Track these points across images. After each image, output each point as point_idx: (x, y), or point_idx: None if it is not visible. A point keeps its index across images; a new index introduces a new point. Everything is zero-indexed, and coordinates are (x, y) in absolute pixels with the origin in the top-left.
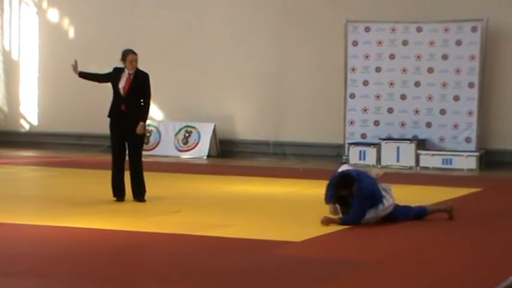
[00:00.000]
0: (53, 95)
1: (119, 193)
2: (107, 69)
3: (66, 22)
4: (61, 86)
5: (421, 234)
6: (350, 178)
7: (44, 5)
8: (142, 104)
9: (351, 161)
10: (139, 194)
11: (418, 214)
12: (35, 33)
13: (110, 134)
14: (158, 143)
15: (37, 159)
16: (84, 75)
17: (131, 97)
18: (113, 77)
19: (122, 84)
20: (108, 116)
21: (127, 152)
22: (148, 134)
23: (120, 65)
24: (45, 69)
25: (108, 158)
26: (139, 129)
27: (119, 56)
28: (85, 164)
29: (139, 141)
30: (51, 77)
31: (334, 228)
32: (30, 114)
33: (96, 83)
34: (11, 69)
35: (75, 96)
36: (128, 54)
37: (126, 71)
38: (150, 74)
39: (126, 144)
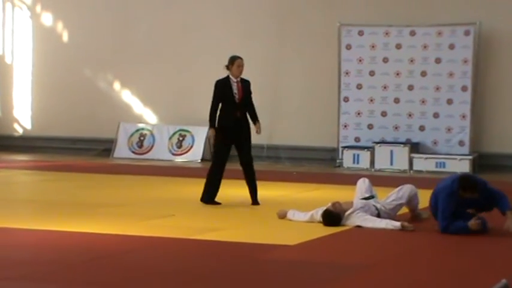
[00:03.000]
0: (46, 99)
1: (214, 197)
2: (100, 72)
3: (59, 26)
4: (55, 90)
5: (415, 237)
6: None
7: (38, 8)
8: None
9: (345, 165)
10: (256, 196)
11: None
12: (28, 37)
13: (219, 143)
14: (152, 146)
15: (31, 163)
16: (215, 119)
17: (243, 103)
18: (222, 91)
19: (235, 91)
20: (222, 126)
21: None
22: (142, 138)
23: (220, 75)
24: (38, 73)
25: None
26: (259, 130)
27: (113, 59)
28: (79, 168)
29: (249, 144)
30: (45, 81)
31: (327, 231)
32: (23, 118)
33: (90, 86)
34: (5, 73)
35: (69, 100)
36: (235, 59)
37: (233, 78)
38: (144, 77)
39: (236, 150)
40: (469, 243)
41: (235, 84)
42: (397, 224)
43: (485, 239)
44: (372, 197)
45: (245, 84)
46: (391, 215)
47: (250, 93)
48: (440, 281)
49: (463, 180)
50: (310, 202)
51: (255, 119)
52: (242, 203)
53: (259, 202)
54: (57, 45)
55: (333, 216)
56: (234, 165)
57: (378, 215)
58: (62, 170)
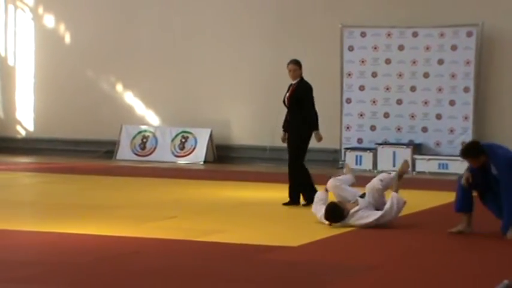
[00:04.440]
0: (49, 101)
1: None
2: (103, 74)
3: (62, 27)
4: (57, 92)
5: (417, 239)
6: (478, 145)
7: (40, 10)
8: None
9: None
10: (298, 197)
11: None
12: (30, 38)
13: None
14: (155, 148)
15: (33, 165)
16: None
17: (292, 106)
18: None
19: (286, 94)
20: (282, 126)
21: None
22: (145, 140)
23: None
24: (41, 75)
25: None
26: (318, 138)
27: (116, 61)
28: (81, 170)
29: (291, 146)
30: (47, 82)
31: (331, 232)
32: (26, 120)
33: (92, 88)
34: (7, 75)
35: (72, 102)
36: (287, 64)
37: (292, 82)
38: (146, 79)
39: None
40: (473, 242)
41: (291, 87)
42: (393, 174)
43: (489, 239)
44: (364, 194)
45: (299, 87)
46: (379, 202)
47: (299, 97)
48: (443, 281)
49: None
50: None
51: (312, 126)
52: (244, 204)
53: (302, 202)
54: (59, 47)
55: (336, 209)
56: (231, 167)
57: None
58: (65, 172)
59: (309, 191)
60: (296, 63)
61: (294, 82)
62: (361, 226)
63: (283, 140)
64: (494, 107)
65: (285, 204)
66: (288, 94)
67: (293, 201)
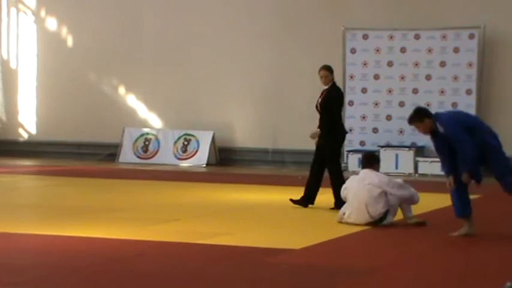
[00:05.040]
0: (51, 104)
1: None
2: (105, 76)
3: (64, 30)
4: (59, 95)
5: (420, 241)
6: (421, 109)
7: (42, 13)
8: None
9: (350, 169)
10: (336, 201)
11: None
12: (33, 41)
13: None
14: (157, 151)
15: (36, 168)
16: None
17: (322, 112)
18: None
19: (318, 99)
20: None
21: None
22: (147, 143)
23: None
24: (43, 78)
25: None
26: (313, 136)
27: (118, 64)
28: (84, 173)
29: (325, 151)
30: (50, 85)
31: (334, 234)
32: (28, 123)
33: (95, 91)
34: (9, 78)
35: (74, 104)
36: (319, 70)
37: (324, 87)
38: (149, 81)
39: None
40: (476, 244)
41: (323, 93)
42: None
43: (492, 241)
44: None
45: (329, 93)
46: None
47: (325, 102)
48: (446, 283)
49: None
50: (315, 206)
51: (321, 128)
52: (247, 207)
53: (330, 204)
54: (61, 50)
55: (372, 154)
56: (233, 170)
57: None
58: (67, 175)
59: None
60: (327, 69)
61: (325, 88)
62: (397, 196)
63: (316, 143)
64: (496, 109)
65: (332, 208)
66: (320, 100)
67: (336, 205)
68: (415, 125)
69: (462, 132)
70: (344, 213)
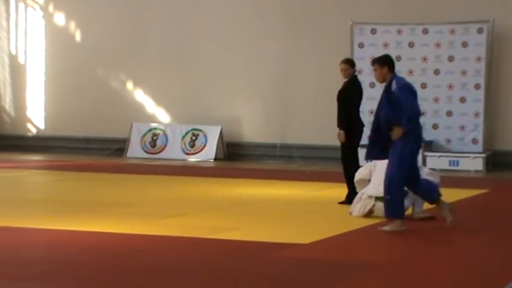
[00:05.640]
0: (59, 99)
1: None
2: (113, 72)
3: (72, 25)
4: (68, 90)
5: (425, 236)
6: (387, 56)
7: (50, 8)
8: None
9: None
10: (348, 196)
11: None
12: (41, 36)
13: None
14: (165, 146)
15: (44, 163)
16: None
17: (339, 102)
18: None
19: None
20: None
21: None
22: (155, 138)
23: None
24: (51, 73)
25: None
26: (339, 138)
27: (126, 59)
28: (92, 168)
29: (343, 147)
30: (58, 80)
31: (343, 229)
32: (37, 118)
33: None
34: (18, 73)
35: (82, 99)
36: (340, 64)
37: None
38: (157, 76)
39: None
40: (480, 242)
41: (342, 85)
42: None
43: (496, 238)
44: None
45: (345, 86)
46: None
47: (342, 94)
48: (450, 280)
49: None
50: (323, 201)
51: (338, 119)
52: (254, 202)
53: (346, 201)
54: (70, 45)
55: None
56: (241, 164)
57: None
58: (75, 169)
59: (351, 191)
60: (347, 63)
61: (346, 80)
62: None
63: (338, 138)
64: (505, 103)
65: (341, 202)
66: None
67: (347, 198)
68: (375, 67)
69: (411, 96)
70: (363, 193)
